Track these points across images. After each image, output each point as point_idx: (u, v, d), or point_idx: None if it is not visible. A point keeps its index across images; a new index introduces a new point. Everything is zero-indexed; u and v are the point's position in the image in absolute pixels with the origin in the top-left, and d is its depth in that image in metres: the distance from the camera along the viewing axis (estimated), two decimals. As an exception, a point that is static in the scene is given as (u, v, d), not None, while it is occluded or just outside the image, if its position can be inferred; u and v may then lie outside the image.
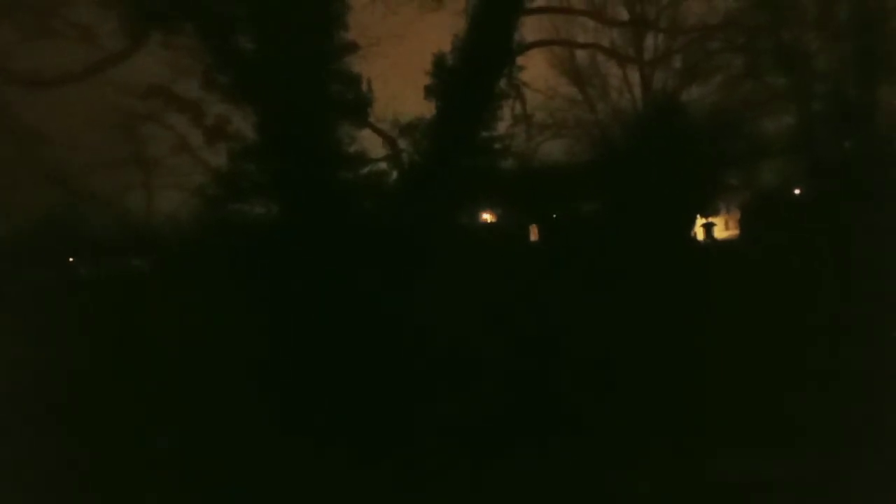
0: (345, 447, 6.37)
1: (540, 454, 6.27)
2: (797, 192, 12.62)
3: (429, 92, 10.65)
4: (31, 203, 8.95)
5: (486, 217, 12.01)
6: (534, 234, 12.01)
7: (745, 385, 7.13)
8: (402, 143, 11.34)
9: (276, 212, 9.51)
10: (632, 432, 6.50)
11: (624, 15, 13.16)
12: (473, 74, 9.66)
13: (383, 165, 11.27)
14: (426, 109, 10.41)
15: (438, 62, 10.64)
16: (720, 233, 12.77)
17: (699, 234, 12.22)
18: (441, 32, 10.33)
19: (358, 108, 10.65)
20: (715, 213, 12.67)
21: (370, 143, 11.19)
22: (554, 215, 11.82)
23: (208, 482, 5.93)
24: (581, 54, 13.24)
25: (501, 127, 11.61)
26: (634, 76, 13.25)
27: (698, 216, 12.15)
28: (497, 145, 11.36)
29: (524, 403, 7.26)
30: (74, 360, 7.51)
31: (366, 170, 10.73)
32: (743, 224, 12.65)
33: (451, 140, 9.56)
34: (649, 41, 13.24)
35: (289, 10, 9.14)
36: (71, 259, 9.74)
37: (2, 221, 8.48)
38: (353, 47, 10.25)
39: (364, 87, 10.69)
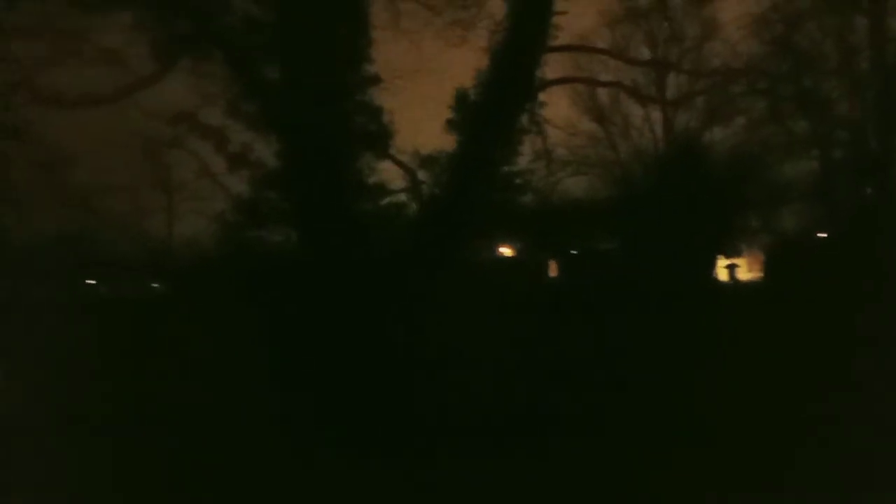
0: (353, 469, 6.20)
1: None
2: (820, 235, 12.50)
3: (450, 125, 10.73)
4: (54, 222, 9.00)
5: (505, 251, 11.95)
6: (552, 270, 11.92)
7: (759, 426, 6.90)
8: (422, 176, 11.40)
9: (294, 239, 9.48)
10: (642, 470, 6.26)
11: (647, 55, 13.28)
12: (495, 109, 9.63)
13: (403, 197, 11.32)
14: (447, 143, 10.45)
15: (460, 96, 10.73)
16: (743, 274, 12.62)
17: (722, 275, 12.07)
18: (463, 67, 10.41)
19: (379, 139, 10.71)
20: (738, 254, 12.53)
21: (390, 175, 11.27)
22: (573, 252, 11.74)
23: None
24: (603, 92, 13.36)
25: (522, 162, 11.67)
26: (656, 116, 13.30)
27: (720, 257, 12.02)
28: (517, 180, 11.39)
29: (535, 433, 7.08)
30: (88, 378, 7.44)
31: (385, 201, 10.77)
32: (766, 266, 12.50)
33: (472, 173, 9.50)
34: (672, 82, 13.34)
35: (314, 41, 9.22)
36: (91, 280, 9.76)
37: (24, 240, 8.50)
38: (376, 80, 10.35)
39: (386, 119, 10.79)
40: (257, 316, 8.57)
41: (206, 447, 6.60)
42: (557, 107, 12.45)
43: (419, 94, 11.03)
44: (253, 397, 7.66)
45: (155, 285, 10.44)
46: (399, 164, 11.50)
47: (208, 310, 8.77)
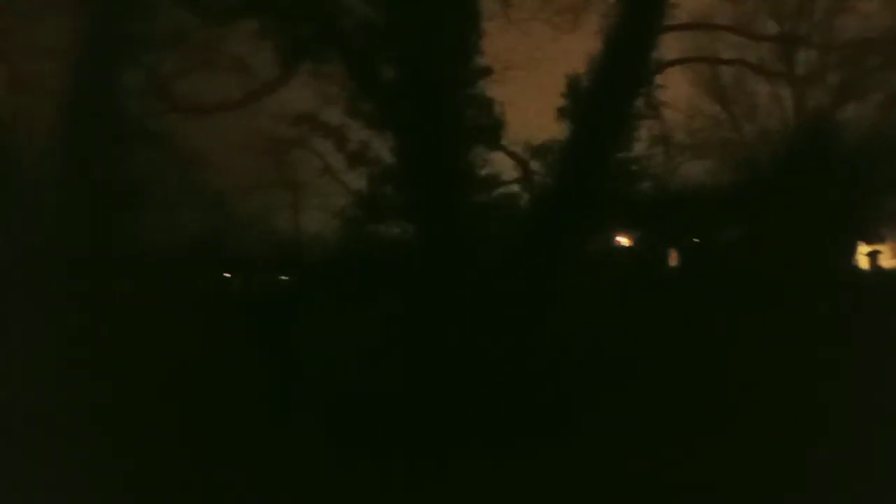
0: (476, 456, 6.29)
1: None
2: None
3: (563, 114, 10.60)
4: (192, 221, 9.71)
5: (622, 240, 11.67)
6: (672, 259, 11.53)
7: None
8: (535, 166, 11.38)
9: (411, 232, 9.75)
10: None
11: (773, 29, 12.49)
12: (609, 95, 9.39)
13: (516, 188, 11.35)
14: (560, 132, 10.34)
15: (573, 83, 10.59)
16: (887, 261, 11.66)
17: (863, 262, 11.22)
18: (575, 54, 10.23)
19: (491, 131, 10.80)
20: (880, 240, 11.59)
21: (503, 166, 11.33)
22: (695, 240, 11.31)
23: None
24: (725, 72, 12.69)
25: (638, 148, 11.36)
26: (784, 94, 12.48)
27: (860, 243, 11.17)
28: (634, 167, 11.11)
29: (651, 431, 6.89)
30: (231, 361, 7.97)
31: (498, 192, 10.84)
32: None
33: (585, 162, 9.35)
34: (801, 57, 12.48)
35: (426, 38, 9.41)
36: (227, 274, 10.48)
37: (165, 237, 9.24)
38: (487, 72, 10.42)
39: (497, 110, 10.85)
40: (377, 306, 8.92)
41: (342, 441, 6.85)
42: (676, 89, 11.95)
43: (530, 83, 10.97)
44: (375, 386, 7.92)
45: (283, 278, 11.06)
46: (511, 154, 11.52)
47: (332, 299, 9.21)
